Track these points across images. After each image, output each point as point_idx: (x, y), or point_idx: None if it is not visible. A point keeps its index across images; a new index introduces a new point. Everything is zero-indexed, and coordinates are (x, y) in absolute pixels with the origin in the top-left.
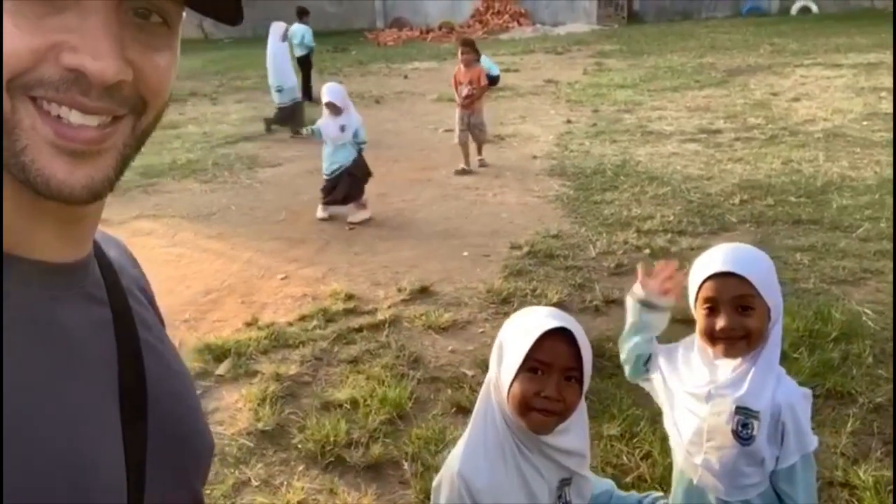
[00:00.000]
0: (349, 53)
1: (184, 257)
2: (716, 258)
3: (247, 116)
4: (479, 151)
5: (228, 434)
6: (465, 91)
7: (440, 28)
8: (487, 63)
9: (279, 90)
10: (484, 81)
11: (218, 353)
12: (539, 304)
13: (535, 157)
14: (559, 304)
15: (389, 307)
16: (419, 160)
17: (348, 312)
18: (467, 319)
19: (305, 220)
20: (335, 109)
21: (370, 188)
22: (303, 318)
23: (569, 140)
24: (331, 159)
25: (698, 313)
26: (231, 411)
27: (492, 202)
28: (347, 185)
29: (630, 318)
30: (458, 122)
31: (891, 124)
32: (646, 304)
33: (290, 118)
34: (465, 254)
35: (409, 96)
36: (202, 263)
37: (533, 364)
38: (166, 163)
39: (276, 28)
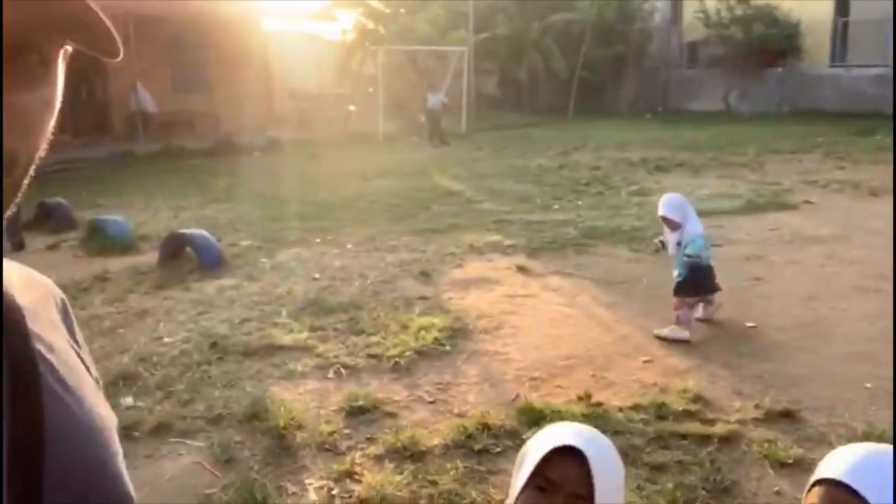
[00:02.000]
0: (872, 138)
1: (570, 318)
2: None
3: (719, 192)
4: None
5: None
6: None
7: None
8: None
9: None
10: None
11: (535, 419)
12: None
13: None
14: None
15: (734, 422)
16: (876, 264)
17: (686, 415)
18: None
19: None
20: (672, 225)
21: (799, 286)
22: (635, 408)
23: None
24: (676, 272)
25: None
26: (501, 482)
27: None
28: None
29: None
30: None
31: None
32: None
33: None
34: (868, 385)
35: None
36: (581, 328)
37: (540, 481)
38: (612, 227)
39: None
